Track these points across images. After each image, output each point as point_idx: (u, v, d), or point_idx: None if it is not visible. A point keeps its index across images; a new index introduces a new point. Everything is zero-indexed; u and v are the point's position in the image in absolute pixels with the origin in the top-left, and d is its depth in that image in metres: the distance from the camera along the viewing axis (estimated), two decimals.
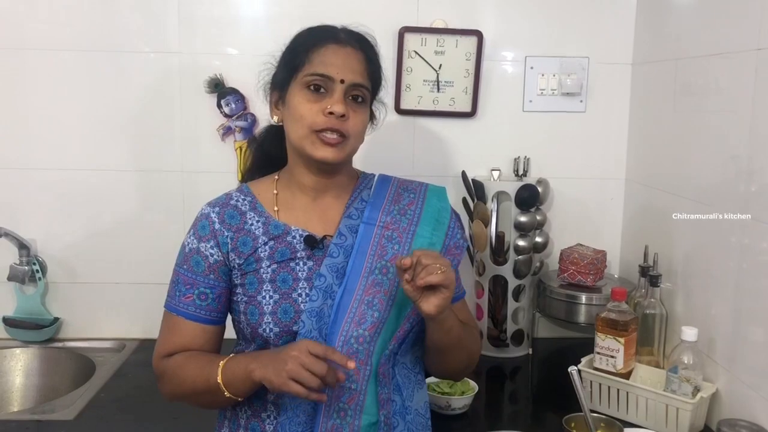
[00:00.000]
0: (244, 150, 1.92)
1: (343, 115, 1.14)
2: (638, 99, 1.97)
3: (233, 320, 1.23)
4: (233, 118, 1.92)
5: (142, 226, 1.97)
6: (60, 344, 1.96)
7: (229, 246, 1.18)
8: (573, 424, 1.36)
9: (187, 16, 1.90)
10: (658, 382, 1.54)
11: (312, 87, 1.16)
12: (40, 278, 1.94)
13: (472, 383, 1.61)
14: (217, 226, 1.18)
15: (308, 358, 1.03)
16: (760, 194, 1.39)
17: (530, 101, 1.99)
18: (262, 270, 1.17)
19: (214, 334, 1.21)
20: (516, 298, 1.92)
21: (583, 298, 1.85)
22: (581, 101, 2.00)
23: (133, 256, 1.97)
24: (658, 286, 1.67)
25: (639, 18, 1.95)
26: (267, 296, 1.16)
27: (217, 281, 1.18)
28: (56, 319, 1.97)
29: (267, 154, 1.32)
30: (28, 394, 1.89)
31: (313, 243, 1.18)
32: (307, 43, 1.18)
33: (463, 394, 1.57)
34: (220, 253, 1.18)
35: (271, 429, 1.17)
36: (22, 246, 1.91)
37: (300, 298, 1.15)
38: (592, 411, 1.40)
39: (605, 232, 2.05)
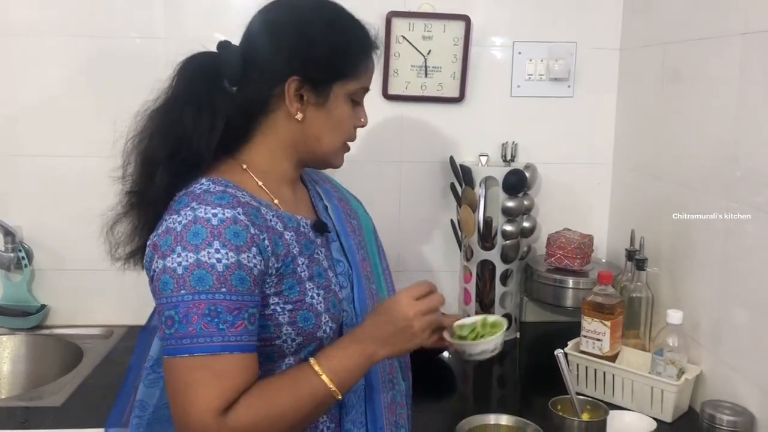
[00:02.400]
0: None
1: None
2: (626, 84, 1.97)
3: (262, 339, 1.03)
4: None
5: None
6: (47, 331, 1.95)
7: (269, 251, 1.00)
8: (559, 407, 1.37)
9: (174, 0, 1.88)
10: (644, 364, 1.56)
11: (357, 100, 1.12)
12: (26, 265, 1.93)
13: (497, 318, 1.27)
14: (252, 230, 0.98)
15: (421, 304, 1.03)
16: (745, 179, 1.40)
17: (518, 86, 1.99)
18: (299, 269, 1.05)
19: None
20: (503, 283, 1.93)
21: (570, 282, 1.86)
22: (569, 86, 2.00)
23: None
24: (645, 270, 1.68)
25: (627, 3, 1.95)
26: (315, 295, 1.05)
27: (260, 297, 0.99)
28: (43, 306, 1.96)
29: (229, 130, 1.07)
30: (16, 381, 1.88)
31: (323, 229, 1.14)
32: (363, 49, 1.11)
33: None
34: (262, 262, 0.99)
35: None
36: (7, 233, 1.90)
37: (336, 288, 1.10)
38: (579, 393, 1.41)
39: (592, 216, 2.06)
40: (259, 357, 1.00)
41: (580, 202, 2.07)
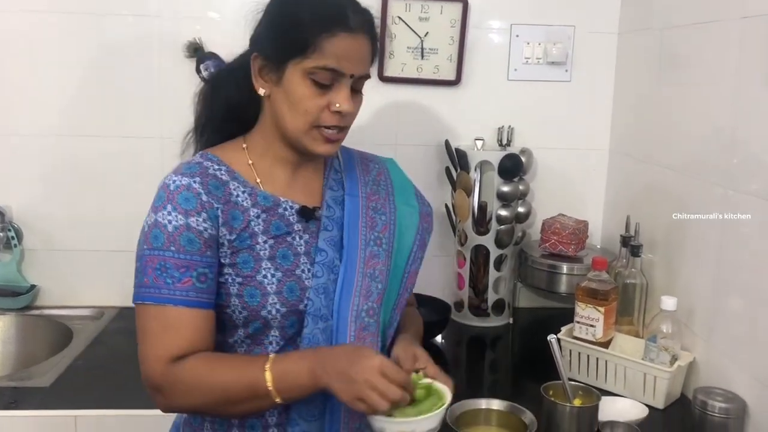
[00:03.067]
0: None
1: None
2: (623, 69, 1.95)
3: (217, 306, 1.09)
4: None
5: (121, 192, 1.93)
6: (37, 312, 1.93)
7: (220, 220, 1.06)
8: (551, 392, 1.36)
9: None
10: (637, 351, 1.55)
11: (318, 80, 1.05)
12: (15, 245, 1.91)
13: (442, 390, 1.07)
14: (204, 198, 1.05)
15: (381, 381, 0.96)
16: (742, 166, 1.39)
17: (515, 70, 1.97)
18: (258, 246, 1.08)
19: (213, 320, 1.07)
20: (497, 268, 1.92)
21: (565, 267, 1.85)
22: (566, 70, 1.98)
23: (111, 222, 1.94)
24: (639, 256, 1.67)
25: None
26: (268, 275, 1.07)
27: (213, 258, 1.05)
28: (33, 287, 1.95)
29: (234, 109, 1.16)
30: (6, 361, 1.86)
31: (309, 215, 1.13)
32: (317, 25, 1.04)
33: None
34: (213, 227, 1.05)
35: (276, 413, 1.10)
36: None
37: (304, 275, 1.10)
38: (571, 379, 1.41)
39: (588, 202, 2.05)
40: (216, 323, 1.07)
41: (576, 187, 2.05)
